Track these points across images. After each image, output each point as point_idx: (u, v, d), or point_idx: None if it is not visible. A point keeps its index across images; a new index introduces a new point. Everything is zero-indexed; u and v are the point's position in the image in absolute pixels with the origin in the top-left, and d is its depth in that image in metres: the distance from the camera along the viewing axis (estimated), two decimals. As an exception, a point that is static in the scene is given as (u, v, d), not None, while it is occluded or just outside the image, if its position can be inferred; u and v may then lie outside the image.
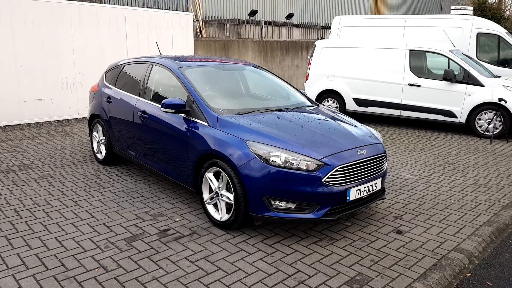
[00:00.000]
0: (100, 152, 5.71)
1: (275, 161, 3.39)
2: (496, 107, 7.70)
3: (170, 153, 4.25)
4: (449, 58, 8.15)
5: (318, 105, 4.79)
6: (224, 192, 3.69)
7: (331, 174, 3.42)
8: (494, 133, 7.76)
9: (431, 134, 8.28)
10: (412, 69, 8.45)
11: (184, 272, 3.06)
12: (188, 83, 4.24)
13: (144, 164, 4.78)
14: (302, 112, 4.32)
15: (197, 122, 3.96)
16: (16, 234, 3.61)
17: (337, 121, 4.21)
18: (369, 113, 9.06)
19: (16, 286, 2.84)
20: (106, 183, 4.97)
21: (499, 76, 8.62)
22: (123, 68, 5.47)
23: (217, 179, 3.77)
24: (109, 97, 5.39)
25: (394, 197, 4.72)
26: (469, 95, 7.96)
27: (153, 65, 4.87)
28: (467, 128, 8.19)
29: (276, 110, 4.22)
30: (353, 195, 3.57)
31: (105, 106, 5.43)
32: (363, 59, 8.94)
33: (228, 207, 3.73)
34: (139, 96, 4.84)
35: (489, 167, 6.03)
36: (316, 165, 3.40)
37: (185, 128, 4.03)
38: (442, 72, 8.18)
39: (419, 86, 8.37)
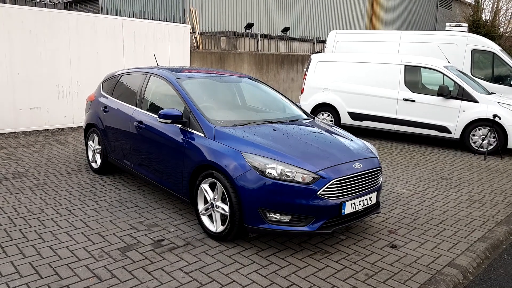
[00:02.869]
0: (95, 162, 5.70)
1: (271, 173, 3.41)
2: (490, 123, 7.79)
3: (165, 163, 4.26)
4: (444, 74, 8.26)
5: (314, 118, 4.83)
6: (219, 203, 3.69)
7: (327, 187, 3.44)
8: (488, 149, 7.84)
9: (426, 149, 8.34)
10: (407, 84, 8.55)
11: (178, 283, 3.04)
12: (185, 94, 4.27)
13: (139, 174, 4.77)
14: (298, 125, 4.35)
15: (193, 133, 3.98)
16: (10, 242, 3.58)
17: (332, 134, 4.25)
18: (364, 127, 9.12)
19: (8, 295, 2.82)
20: (100, 192, 4.95)
21: (493, 93, 8.74)
22: (120, 78, 5.50)
23: (213, 190, 3.78)
24: (105, 107, 5.40)
25: (388, 211, 4.73)
26: (464, 111, 8.05)
27: (150, 75, 4.91)
28: (461, 144, 8.26)
29: (272, 123, 4.25)
30: (348, 208, 3.58)
31: (102, 115, 5.44)
32: (358, 74, 9.04)
33: (223, 218, 3.72)
34: (136, 106, 4.86)
35: (483, 183, 6.08)
36: (312, 178, 3.42)
37: (182, 138, 4.04)
38: (437, 88, 8.28)
39: (413, 101, 8.46)
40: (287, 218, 3.44)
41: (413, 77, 8.61)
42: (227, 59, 12.29)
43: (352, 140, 4.22)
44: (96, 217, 4.19)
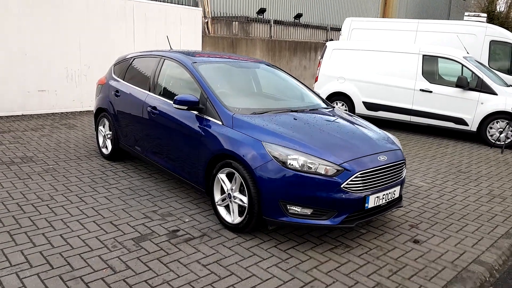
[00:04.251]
0: (106, 147, 5.57)
1: (292, 164, 3.25)
2: (509, 116, 7.56)
3: (180, 151, 4.11)
4: (463, 65, 8.01)
5: (334, 107, 4.65)
6: (237, 194, 3.55)
7: (351, 180, 3.28)
8: (506, 142, 7.63)
9: (441, 141, 8.14)
10: (425, 74, 8.31)
11: (196, 276, 2.91)
12: (201, 79, 4.10)
13: (151, 161, 4.63)
14: (319, 114, 4.17)
15: (210, 120, 3.82)
16: (19, 229, 3.46)
17: (355, 124, 4.07)
18: (378, 118, 8.92)
19: (19, 285, 2.70)
20: (112, 179, 4.82)
21: (511, 85, 8.49)
22: (132, 61, 5.33)
23: (230, 181, 3.63)
24: (117, 91, 5.25)
25: (408, 205, 4.58)
26: (482, 103, 7.83)
27: (164, 59, 4.73)
28: (478, 137, 8.06)
29: (292, 111, 4.07)
30: (371, 202, 3.43)
31: (113, 99, 5.29)
32: (374, 62, 8.80)
33: (241, 209, 3.59)
34: (149, 91, 4.70)
35: (502, 177, 5.90)
36: (336, 170, 3.26)
37: (198, 126, 3.88)
38: (455, 79, 8.04)
39: (431, 92, 8.23)
40: (308, 211, 3.30)
41: (431, 67, 8.36)
42: (239, 44, 12.05)
43: (375, 131, 4.05)
44: (108, 205, 4.07)
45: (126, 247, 3.26)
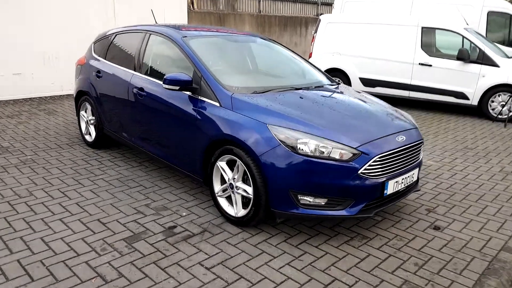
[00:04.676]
0: (89, 134, 5.09)
1: (303, 149, 2.86)
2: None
3: (173, 137, 3.68)
4: (463, 37, 7.64)
5: (339, 83, 4.25)
6: (240, 184, 3.16)
7: (369, 165, 2.92)
8: (509, 116, 7.36)
9: (442, 117, 7.83)
10: (424, 47, 7.93)
11: (200, 282, 2.54)
12: (194, 56, 3.63)
13: (141, 149, 4.19)
14: (326, 91, 3.76)
15: (206, 101, 3.39)
16: (-7, 233, 3.04)
17: (367, 102, 3.68)
18: (376, 94, 8.55)
19: (-7, 303, 2.30)
20: (97, 169, 4.38)
21: (512, 57, 8.19)
22: (114, 38, 4.81)
23: (231, 169, 3.24)
24: (98, 71, 4.74)
25: (421, 186, 4.26)
26: (483, 76, 7.51)
27: (150, 34, 4.24)
28: (479, 111, 7.77)
29: (297, 89, 3.66)
30: (391, 188, 3.08)
31: (94, 81, 4.79)
32: (371, 36, 8.37)
33: (245, 201, 3.21)
34: (135, 71, 4.22)
35: (511, 153, 5.63)
36: (352, 154, 2.88)
37: (192, 108, 3.45)
38: (455, 52, 7.68)
39: (430, 65, 7.87)
40: (322, 201, 2.93)
41: (430, 40, 7.98)
42: (227, 20, 11.45)
43: (388, 109, 3.67)
44: (95, 200, 3.64)
45: (118, 249, 2.86)
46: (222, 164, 3.27)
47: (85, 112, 5.09)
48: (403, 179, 3.18)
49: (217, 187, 3.38)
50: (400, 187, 3.19)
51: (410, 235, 3.26)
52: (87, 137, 5.13)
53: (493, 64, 7.43)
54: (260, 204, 3.01)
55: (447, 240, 3.22)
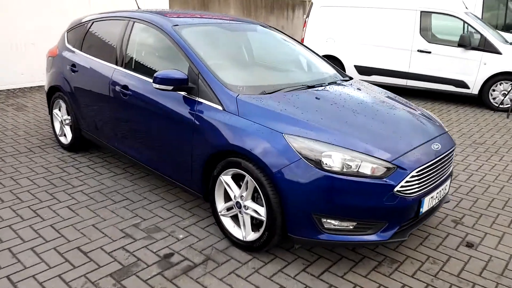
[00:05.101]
0: (65, 136, 4.47)
1: (328, 164, 2.38)
2: (515, 77, 6.93)
3: (165, 145, 3.14)
4: (465, 22, 7.24)
5: (351, 78, 3.76)
6: (249, 203, 2.66)
7: (406, 181, 2.46)
8: (511, 105, 7.06)
9: (441, 107, 7.48)
10: (422, 33, 7.51)
11: (210, 337, 2.06)
12: (188, 49, 3.07)
13: (126, 156, 3.63)
14: (343, 89, 3.26)
15: (205, 104, 2.85)
16: None
17: (392, 103, 3.20)
18: (372, 83, 8.11)
19: None
20: (75, 179, 3.80)
21: (512, 43, 7.86)
22: (91, 26, 4.17)
23: (238, 184, 2.74)
24: (73, 65, 4.11)
25: (450, 196, 3.84)
26: (485, 64, 7.15)
27: (134, 22, 3.63)
28: (479, 100, 7.45)
29: (309, 87, 3.15)
30: (426, 205, 2.64)
31: (69, 76, 4.16)
32: (367, 21, 7.89)
33: (255, 222, 2.72)
34: (117, 65, 3.62)
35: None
36: (385, 169, 2.42)
37: (189, 112, 2.91)
38: (454, 38, 7.29)
39: (429, 52, 7.46)
40: (349, 225, 2.47)
41: (429, 25, 7.55)
42: (210, 3, 10.75)
43: (415, 109, 3.21)
44: (73, 220, 3.08)
45: (105, 291, 2.34)
46: (226, 178, 2.76)
47: (59, 110, 4.47)
48: (437, 193, 2.75)
49: (220, 205, 2.87)
50: (435, 202, 2.76)
51: (443, 256, 2.85)
52: (62, 139, 4.51)
53: (495, 51, 7.08)
54: (275, 228, 2.53)
55: (485, 260, 2.82)
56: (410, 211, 2.54)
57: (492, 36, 7.14)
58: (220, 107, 2.77)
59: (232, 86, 2.86)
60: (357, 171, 2.39)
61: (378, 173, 2.41)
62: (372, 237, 2.50)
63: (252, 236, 2.70)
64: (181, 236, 2.92)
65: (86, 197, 3.45)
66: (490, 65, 7.12)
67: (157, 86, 2.89)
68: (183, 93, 2.98)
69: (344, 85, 3.36)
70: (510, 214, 3.50)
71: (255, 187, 2.59)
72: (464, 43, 7.15)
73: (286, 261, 2.68)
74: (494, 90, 7.23)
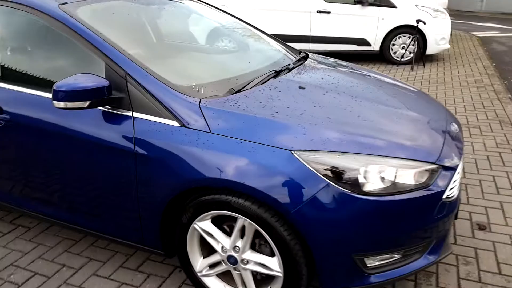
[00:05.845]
0: None
1: (366, 183, 1.66)
2: (412, 30, 7.01)
3: (91, 189, 2.06)
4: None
5: (300, 52, 3.03)
6: (250, 255, 1.83)
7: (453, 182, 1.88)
8: (407, 58, 7.17)
9: (349, 68, 7.29)
10: (322, -8, 7.12)
11: None
12: (99, 38, 1.98)
13: (31, 213, 2.41)
14: (318, 70, 2.51)
15: (149, 121, 1.85)
16: None
17: (380, 79, 2.58)
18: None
19: None
20: None
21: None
22: None
23: (221, 229, 1.87)
24: None
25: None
26: (383, 19, 7.10)
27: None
28: (381, 56, 7.45)
29: (277, 73, 2.33)
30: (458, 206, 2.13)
31: None
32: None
33: (260, 278, 1.91)
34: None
35: (455, 98, 5.28)
36: (428, 173, 1.79)
37: (123, 137, 1.88)
38: (352, -6, 7.08)
39: (329, 12, 7.14)
40: (396, 255, 1.82)
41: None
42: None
43: (404, 84, 2.65)
44: None
45: None
46: (204, 225, 1.87)
47: None
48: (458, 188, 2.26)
49: (198, 261, 1.98)
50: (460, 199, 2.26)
51: (469, 250, 2.42)
52: None
53: (390, 5, 7.06)
54: (300, 285, 1.76)
55: (509, 243, 2.47)
56: (452, 216, 1.98)
57: (385, -11, 7.08)
58: (176, 123, 1.81)
59: (185, 88, 1.91)
60: (396, 182, 1.72)
61: (422, 179, 1.77)
62: (421, 262, 1.89)
63: (259, 298, 1.88)
64: (147, 321, 1.96)
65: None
66: (387, 20, 7.09)
67: (63, 104, 1.79)
68: (104, 108, 1.92)
69: (313, 65, 2.62)
70: (488, 178, 3.26)
71: (255, 231, 1.76)
72: (360, -1, 6.97)
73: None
74: (394, 45, 7.27)
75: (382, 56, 7.39)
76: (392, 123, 1.94)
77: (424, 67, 7.10)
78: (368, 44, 7.27)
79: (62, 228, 2.62)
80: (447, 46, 7.30)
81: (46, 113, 2.02)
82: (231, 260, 1.87)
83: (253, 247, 1.85)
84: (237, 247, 1.84)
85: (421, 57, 7.18)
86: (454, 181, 1.87)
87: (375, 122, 1.90)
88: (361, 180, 1.64)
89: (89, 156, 1.96)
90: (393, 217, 1.69)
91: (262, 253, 1.84)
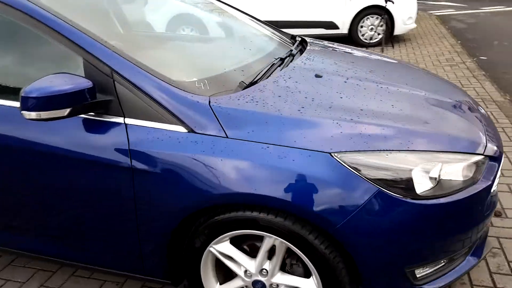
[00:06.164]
0: None
1: (420, 186, 1.42)
2: (381, 10, 6.90)
3: (76, 215, 1.69)
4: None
5: (294, 36, 2.76)
6: (280, 278, 1.56)
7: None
8: (376, 40, 7.08)
9: (319, 52, 7.10)
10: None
11: None
12: (71, 28, 1.59)
13: (24, 253, 1.99)
14: (328, 55, 2.25)
15: (147, 128, 1.51)
16: None
17: (382, 58, 2.37)
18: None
19: None
20: None
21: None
22: None
23: (241, 250, 1.58)
24: None
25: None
26: (350, 0, 6.94)
27: None
28: (349, 39, 7.30)
29: (282, 61, 2.03)
30: (493, 192, 1.95)
31: None
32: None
33: (291, 302, 1.64)
34: None
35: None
36: (476, 165, 1.58)
37: (116, 150, 1.52)
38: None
39: (295, -4, 6.89)
40: (443, 261, 1.61)
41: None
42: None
43: (419, 68, 2.44)
44: None
45: None
46: (223, 248, 1.57)
47: None
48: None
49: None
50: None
51: (493, 240, 2.26)
52: None
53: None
54: (344, 308, 1.51)
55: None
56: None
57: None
58: (182, 128, 1.48)
59: (188, 85, 1.58)
60: (445, 180, 1.49)
61: (470, 174, 1.56)
62: (467, 264, 1.69)
63: (294, 326, 1.61)
64: None
65: None
66: (354, 1, 6.94)
67: (34, 115, 1.41)
68: (86, 115, 1.56)
69: (317, 49, 2.35)
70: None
71: (286, 249, 1.49)
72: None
73: None
74: (362, 27, 7.15)
75: (350, 39, 7.24)
76: (429, 112, 1.71)
77: (393, 48, 7.03)
78: (336, 27, 7.10)
79: (31, 259, 2.21)
80: (414, 25, 7.26)
81: (14, 127, 1.62)
82: (258, 285, 1.58)
83: (283, 268, 1.58)
84: (264, 270, 1.55)
85: (390, 38, 7.11)
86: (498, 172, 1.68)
87: (412, 112, 1.66)
88: (416, 182, 1.40)
89: (72, 176, 1.58)
90: (449, 221, 1.47)
91: (294, 274, 1.57)
